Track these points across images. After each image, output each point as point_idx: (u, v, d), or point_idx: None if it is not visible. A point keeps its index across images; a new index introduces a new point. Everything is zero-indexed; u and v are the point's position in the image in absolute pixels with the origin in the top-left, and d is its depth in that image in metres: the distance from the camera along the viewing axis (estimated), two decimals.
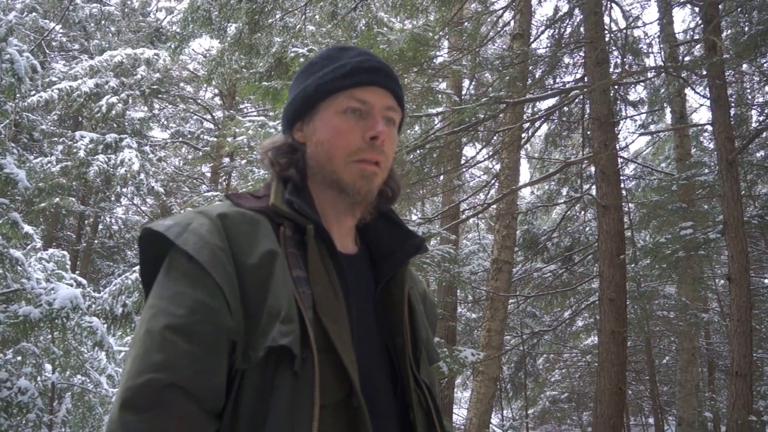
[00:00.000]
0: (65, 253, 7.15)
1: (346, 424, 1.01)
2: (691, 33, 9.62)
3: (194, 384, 0.96)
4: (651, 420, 12.44)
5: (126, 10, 17.83)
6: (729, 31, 7.67)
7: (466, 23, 8.84)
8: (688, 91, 8.98)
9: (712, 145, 10.83)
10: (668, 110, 10.57)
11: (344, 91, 1.17)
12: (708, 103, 5.16)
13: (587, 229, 10.56)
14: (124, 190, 14.64)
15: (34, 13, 14.52)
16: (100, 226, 17.95)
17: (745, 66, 8.86)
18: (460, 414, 12.08)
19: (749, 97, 10.34)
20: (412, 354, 1.18)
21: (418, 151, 7.37)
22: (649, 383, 10.45)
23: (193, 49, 17.44)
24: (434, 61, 7.35)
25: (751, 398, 4.28)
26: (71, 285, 6.28)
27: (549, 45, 9.47)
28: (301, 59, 6.08)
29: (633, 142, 18.37)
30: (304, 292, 1.05)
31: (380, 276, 1.22)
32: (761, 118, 8.35)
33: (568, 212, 9.97)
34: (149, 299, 1.05)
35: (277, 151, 1.22)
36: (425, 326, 1.29)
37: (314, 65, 1.24)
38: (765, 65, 8.48)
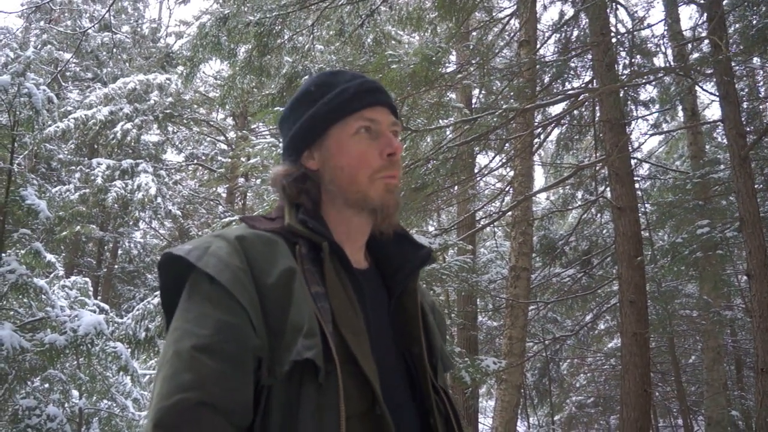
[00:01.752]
0: (87, 279, 7.26)
1: None
2: (699, 30, 9.61)
3: (223, 401, 0.99)
4: (680, 421, 12.29)
5: (137, 37, 18.12)
6: (737, 26, 7.65)
7: (473, 33, 8.90)
8: (698, 87, 8.94)
9: (725, 141, 10.77)
10: (680, 108, 10.53)
11: (354, 114, 1.22)
12: (718, 100, 5.15)
13: (604, 231, 10.51)
14: (142, 214, 14.82)
15: (49, 46, 14.80)
16: (120, 251, 18.13)
17: (756, 60, 8.83)
18: (485, 423, 12.02)
19: (761, 91, 10.29)
20: (429, 361, 1.23)
21: (431, 163, 7.41)
22: (675, 384, 10.35)
23: (204, 72, 17.66)
24: (444, 74, 7.40)
25: None
26: (94, 311, 6.38)
27: (556, 50, 9.49)
28: None
29: (645, 142, 18.12)
30: (323, 307, 1.09)
31: (392, 289, 1.27)
32: None
33: (584, 215, 9.93)
34: (174, 322, 1.08)
35: (289, 179, 1.25)
36: (438, 335, 1.33)
37: (311, 93, 1.27)
38: None
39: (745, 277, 10.57)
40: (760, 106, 9.42)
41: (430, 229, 11.37)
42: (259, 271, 1.08)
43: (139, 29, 18.69)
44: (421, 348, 1.22)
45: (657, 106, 9.82)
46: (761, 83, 10.29)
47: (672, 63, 8.53)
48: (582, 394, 13.85)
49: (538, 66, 8.47)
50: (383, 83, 5.43)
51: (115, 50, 16.80)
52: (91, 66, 17.05)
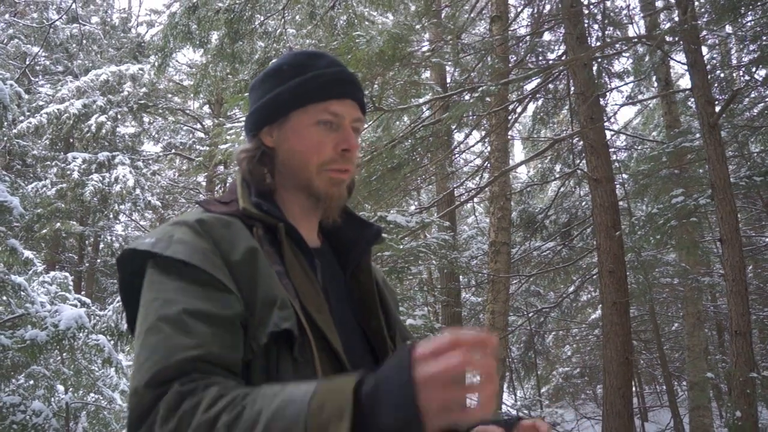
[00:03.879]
0: (67, 274, 7.21)
1: None
2: (670, 0, 9.64)
3: (224, 359, 0.99)
4: (665, 387, 12.51)
5: (107, 28, 17.84)
6: None
7: (445, 10, 8.87)
8: (671, 56, 8.99)
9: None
10: (654, 78, 10.59)
11: (318, 103, 1.22)
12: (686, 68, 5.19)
13: (583, 203, 10.59)
14: (122, 207, 14.69)
15: (16, 40, 14.54)
16: (101, 245, 18.01)
17: (728, 28, 8.88)
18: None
19: (734, 59, 10.36)
20: (387, 333, 1.25)
21: (408, 142, 7.41)
22: (658, 351, 10.51)
23: (177, 60, 17.46)
24: (417, 53, 7.38)
25: (752, 355, 4.34)
26: (75, 305, 6.34)
27: (528, 24, 9.49)
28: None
29: (617, 113, 18.22)
30: (286, 284, 1.10)
31: (346, 265, 1.29)
32: (746, 79, 8.36)
33: (562, 188, 10.00)
34: (148, 295, 1.06)
35: (247, 157, 1.26)
36: (393, 308, 1.36)
37: (283, 72, 1.26)
38: (748, 25, 8.50)
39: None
40: (733, 74, 9.50)
41: (411, 208, 11.39)
42: (224, 251, 1.09)
43: (108, 19, 18.39)
44: (379, 321, 1.25)
45: (631, 78, 9.89)
46: (733, 51, 10.35)
47: (644, 33, 8.56)
48: (568, 365, 14.01)
49: (511, 41, 8.48)
50: (352, 63, 5.42)
51: (84, 42, 16.54)
52: (61, 59, 16.78)
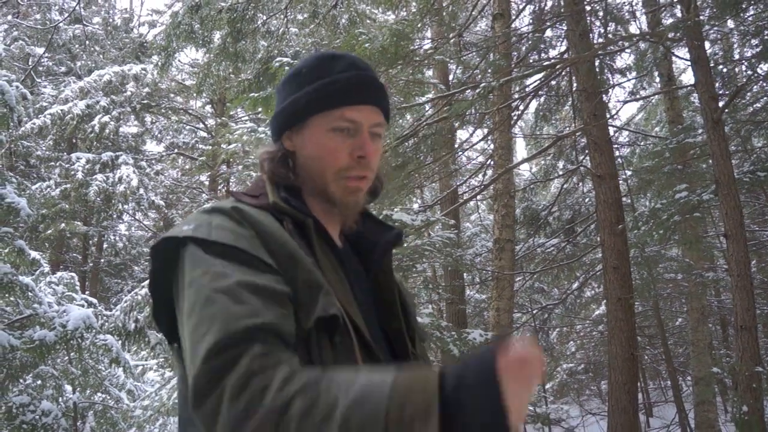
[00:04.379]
0: (73, 274, 7.26)
1: None
2: None
3: (282, 330, 0.98)
4: (669, 382, 12.52)
5: (109, 29, 17.87)
6: None
7: (446, 7, 8.87)
8: (672, 53, 8.99)
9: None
10: (656, 74, 10.59)
11: (335, 109, 1.21)
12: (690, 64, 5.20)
13: (587, 200, 10.60)
14: (125, 206, 14.75)
15: (19, 41, 14.57)
16: (105, 245, 18.06)
17: (729, 23, 8.87)
18: None
19: (737, 54, 10.35)
20: (407, 335, 1.27)
21: (412, 140, 7.43)
22: (662, 346, 10.52)
23: (179, 60, 17.49)
24: (420, 51, 7.39)
25: (757, 350, 4.36)
26: (82, 305, 6.38)
27: (531, 21, 9.49)
28: (286, 67, 6.12)
29: (620, 109, 18.23)
30: (320, 276, 1.10)
31: (367, 267, 1.30)
32: (749, 73, 8.35)
33: (566, 185, 10.01)
34: (192, 273, 1.03)
35: (271, 160, 1.27)
36: (413, 312, 1.37)
37: (303, 75, 1.26)
38: (749, 19, 8.50)
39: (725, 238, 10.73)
40: (735, 69, 9.49)
41: (415, 206, 11.41)
42: (263, 237, 1.09)
43: (111, 20, 18.42)
44: (400, 323, 1.27)
45: (633, 74, 9.89)
46: (735, 46, 10.35)
47: (646, 29, 8.56)
48: (572, 361, 14.03)
49: (513, 38, 8.48)
50: None
51: (87, 42, 16.58)
52: (64, 60, 16.82)
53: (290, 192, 1.23)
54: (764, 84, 8.06)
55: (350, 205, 1.25)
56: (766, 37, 7.15)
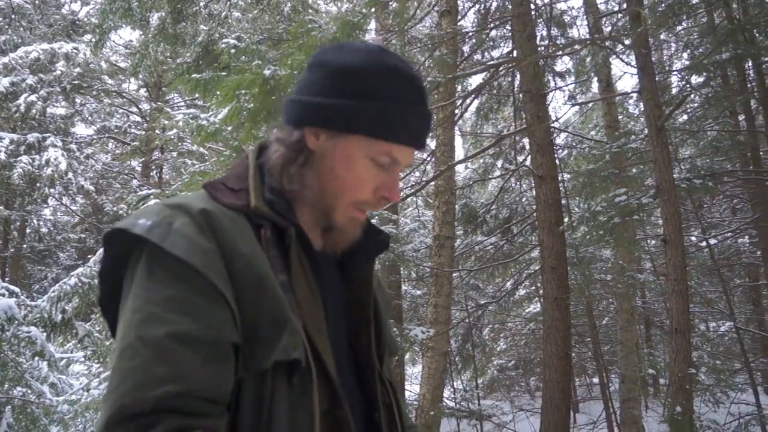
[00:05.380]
0: None
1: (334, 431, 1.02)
2: (612, 4, 9.91)
3: (210, 392, 0.90)
4: (595, 380, 12.90)
5: (38, 2, 17.04)
6: (647, 1, 7.91)
7: (392, 5, 8.82)
8: (612, 59, 9.22)
9: (637, 112, 11.22)
10: (595, 79, 10.85)
11: (385, 141, 1.10)
12: (633, 71, 5.32)
13: (524, 199, 10.77)
14: (51, 190, 14.08)
15: None
16: (28, 230, 17.27)
17: (663, 35, 9.17)
18: (412, 390, 12.23)
19: (669, 64, 10.73)
20: (376, 352, 1.20)
21: None
22: (591, 345, 10.82)
23: (114, 41, 16.85)
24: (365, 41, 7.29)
25: (690, 352, 4.50)
26: (3, 295, 6.03)
27: (476, 21, 9.56)
28: (233, 50, 5.93)
29: (565, 114, 18.68)
30: (290, 298, 1.02)
31: (347, 270, 1.22)
32: (682, 84, 8.65)
33: (505, 184, 10.15)
34: (130, 302, 0.95)
35: (288, 153, 1.14)
36: (387, 323, 1.29)
37: (364, 80, 1.10)
38: (682, 32, 8.81)
39: (654, 242, 11.13)
40: (668, 79, 9.84)
41: None
42: (228, 253, 0.98)
43: None
44: (369, 339, 1.19)
45: (573, 77, 10.11)
46: (675, 55, 10.73)
47: (588, 35, 8.74)
48: (503, 357, 14.29)
49: (459, 36, 8.51)
50: (303, 50, 5.30)
51: (13, 16, 15.75)
52: None
53: (276, 191, 1.12)
54: (695, 94, 8.35)
55: (348, 235, 1.16)
56: (696, 51, 7.45)
